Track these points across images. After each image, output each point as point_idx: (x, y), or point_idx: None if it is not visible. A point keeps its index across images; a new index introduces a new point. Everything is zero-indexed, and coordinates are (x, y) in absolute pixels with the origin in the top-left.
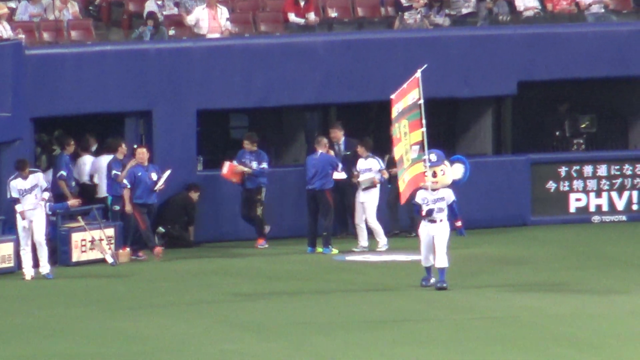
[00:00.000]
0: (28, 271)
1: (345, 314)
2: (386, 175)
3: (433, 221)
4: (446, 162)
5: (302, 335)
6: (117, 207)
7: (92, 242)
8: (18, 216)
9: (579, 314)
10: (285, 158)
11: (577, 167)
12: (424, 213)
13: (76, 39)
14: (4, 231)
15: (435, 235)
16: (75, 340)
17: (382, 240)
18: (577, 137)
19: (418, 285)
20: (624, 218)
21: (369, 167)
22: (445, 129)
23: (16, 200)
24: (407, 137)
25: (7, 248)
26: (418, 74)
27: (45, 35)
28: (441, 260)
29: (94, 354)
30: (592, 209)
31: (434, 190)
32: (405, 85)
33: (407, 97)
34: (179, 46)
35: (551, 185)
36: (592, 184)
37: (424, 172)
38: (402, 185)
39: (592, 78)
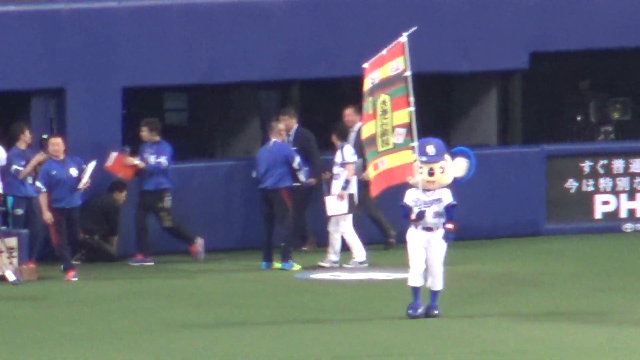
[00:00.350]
0: None
1: (309, 347)
2: (351, 171)
3: (429, 229)
4: (447, 157)
5: None
6: (19, 211)
7: None
8: None
9: (605, 348)
10: (235, 149)
11: (605, 162)
12: (414, 216)
13: None
14: None
15: (430, 247)
16: None
17: (359, 255)
18: (605, 123)
19: (401, 311)
20: None
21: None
22: (439, 112)
23: None
24: (389, 115)
25: None
26: (403, 38)
27: None
28: (437, 282)
29: None
30: (623, 214)
31: (427, 190)
32: (384, 52)
33: (387, 66)
34: (100, 6)
35: (571, 184)
36: (623, 183)
37: (412, 163)
38: (373, 172)
39: (623, 49)
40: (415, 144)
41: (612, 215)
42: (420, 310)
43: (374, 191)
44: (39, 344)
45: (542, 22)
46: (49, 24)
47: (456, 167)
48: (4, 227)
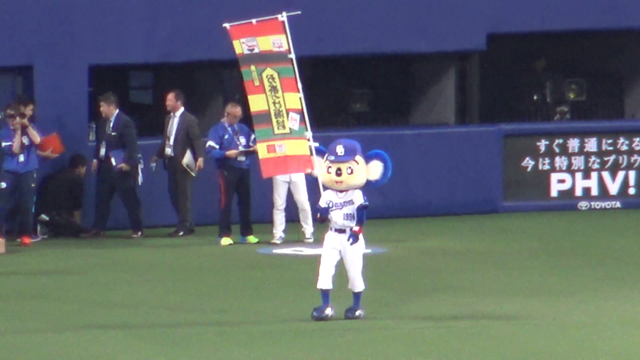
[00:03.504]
0: None
1: (271, 317)
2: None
3: (341, 231)
4: (358, 158)
5: (218, 344)
6: (3, 185)
7: None
8: None
9: (559, 324)
10: (200, 126)
11: (560, 141)
12: (318, 215)
13: None
14: None
15: (344, 250)
16: None
17: (310, 227)
18: (560, 103)
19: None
20: (617, 204)
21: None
22: (398, 92)
23: None
24: (280, 95)
25: None
26: (282, 17)
27: None
28: (356, 283)
29: None
30: (578, 192)
31: (340, 192)
32: (254, 21)
33: (267, 39)
34: None
35: (528, 162)
36: (578, 162)
37: (310, 156)
38: (266, 153)
39: (578, 31)
40: (310, 134)
41: (568, 194)
42: (327, 312)
43: (266, 174)
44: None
45: (499, 3)
46: (15, 4)
47: (372, 170)
48: None
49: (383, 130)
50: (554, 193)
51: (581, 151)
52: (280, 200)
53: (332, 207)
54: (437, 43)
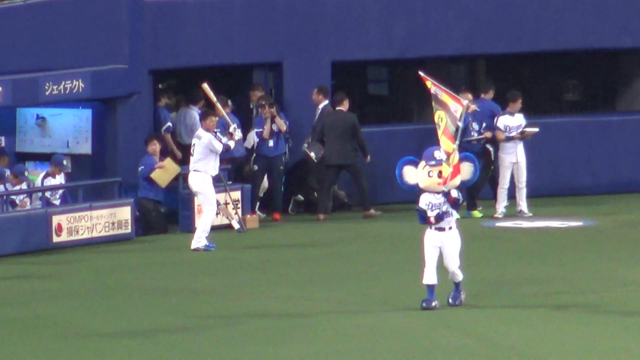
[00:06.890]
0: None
1: (496, 293)
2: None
3: (441, 229)
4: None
5: (452, 311)
6: (256, 167)
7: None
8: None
9: None
10: (429, 115)
11: None
12: (432, 219)
13: None
14: (120, 194)
15: (443, 246)
16: None
17: (524, 203)
18: None
19: (572, 254)
20: None
21: (518, 123)
22: (605, 83)
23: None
24: (439, 133)
25: (124, 212)
26: (465, 101)
27: None
28: (455, 275)
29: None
30: None
31: (437, 193)
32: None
33: (448, 98)
34: None
35: None
36: None
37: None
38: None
39: None
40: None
41: None
42: (434, 304)
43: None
44: (254, 285)
45: None
46: (267, 7)
47: (464, 170)
48: (229, 182)
49: (592, 117)
50: None
51: None
52: (504, 180)
53: (432, 208)
54: None
